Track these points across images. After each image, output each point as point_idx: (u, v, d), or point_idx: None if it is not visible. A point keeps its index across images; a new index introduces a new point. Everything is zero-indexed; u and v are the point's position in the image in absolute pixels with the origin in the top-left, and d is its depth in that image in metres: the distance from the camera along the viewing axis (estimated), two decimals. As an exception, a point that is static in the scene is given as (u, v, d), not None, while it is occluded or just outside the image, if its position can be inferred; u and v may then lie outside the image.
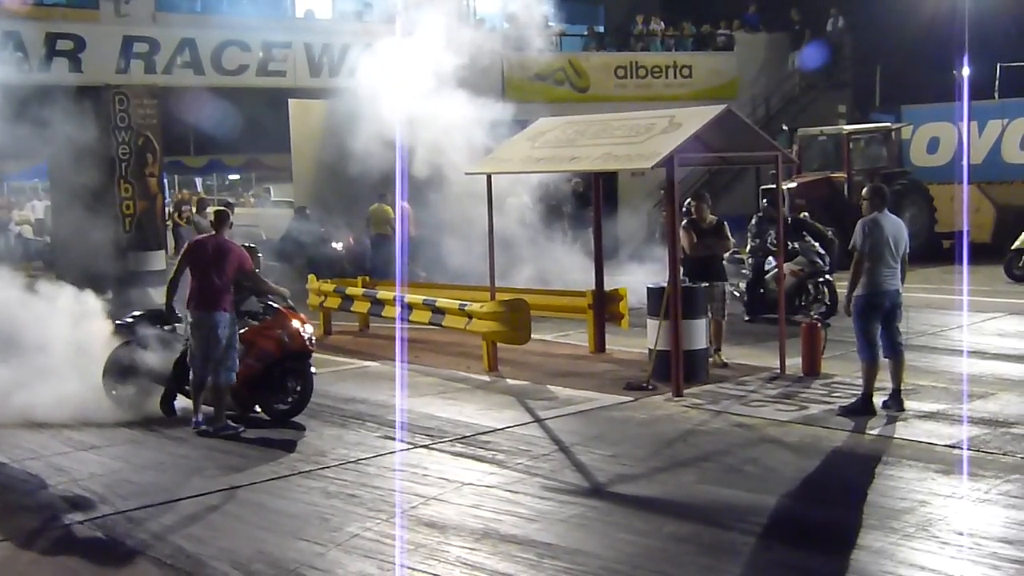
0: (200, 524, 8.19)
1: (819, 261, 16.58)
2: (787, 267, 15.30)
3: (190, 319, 10.93)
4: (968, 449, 9.46)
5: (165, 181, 28.57)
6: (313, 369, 11.54)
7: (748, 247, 16.96)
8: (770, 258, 16.37)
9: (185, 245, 11.28)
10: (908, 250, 10.96)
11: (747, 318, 16.55)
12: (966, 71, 24.95)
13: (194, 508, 8.53)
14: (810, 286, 16.64)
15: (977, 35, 24.88)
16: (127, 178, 21.92)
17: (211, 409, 10.91)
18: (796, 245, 16.57)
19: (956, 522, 7.66)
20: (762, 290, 16.62)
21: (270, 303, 11.50)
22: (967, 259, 18.53)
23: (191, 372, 10.97)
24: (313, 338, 11.61)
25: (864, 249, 10.69)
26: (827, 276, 16.64)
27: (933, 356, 13.68)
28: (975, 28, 24.92)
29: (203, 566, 7.29)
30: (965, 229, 21.17)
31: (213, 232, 11.11)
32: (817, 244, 16.88)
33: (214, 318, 10.71)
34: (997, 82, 27.14)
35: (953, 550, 7.14)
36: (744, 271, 16.88)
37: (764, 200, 17.85)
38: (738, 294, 16.69)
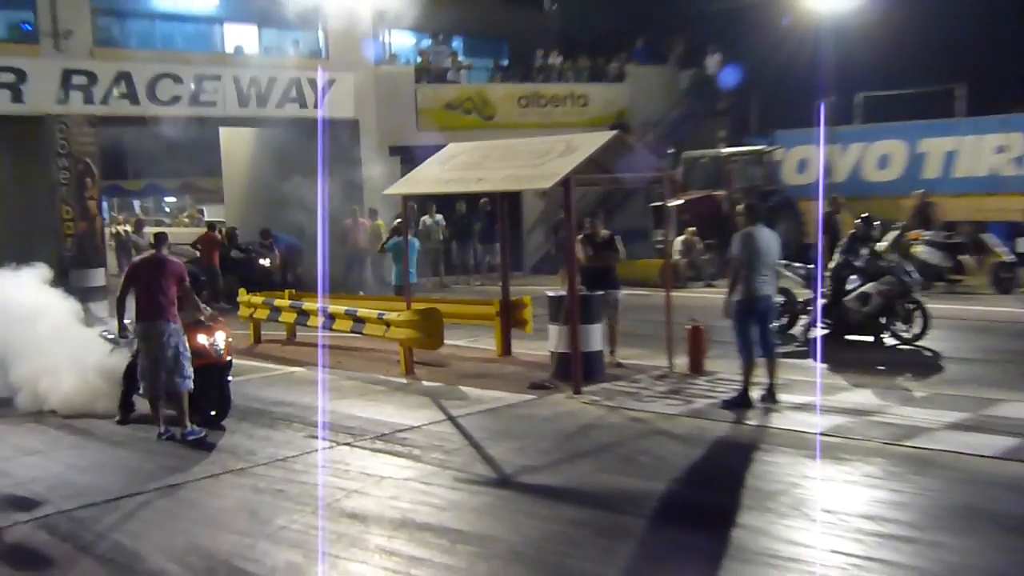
0: (138, 521, 8.03)
1: (908, 279, 14.49)
2: (875, 286, 14.39)
3: (137, 332, 10.70)
4: (835, 436, 9.64)
5: (104, 204, 28.02)
6: (229, 378, 11.35)
7: (833, 264, 15.05)
8: (853, 276, 14.76)
9: (128, 266, 11.21)
10: (781, 259, 11.15)
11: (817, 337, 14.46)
12: (831, 99, 25.42)
13: (133, 506, 8.36)
14: (898, 306, 14.50)
15: (839, 67, 25.42)
16: (68, 201, 21.53)
17: (171, 412, 10.69)
18: (884, 263, 14.72)
19: (825, 501, 7.79)
20: (842, 310, 14.73)
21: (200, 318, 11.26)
22: (820, 267, 18.75)
23: (143, 385, 10.73)
24: (222, 347, 11.15)
25: (741, 259, 10.86)
26: (915, 296, 14.53)
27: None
28: (838, 61, 25.45)
29: (141, 560, 7.15)
30: (820, 241, 21.47)
31: (153, 251, 11.02)
32: (906, 262, 15.27)
33: (160, 327, 10.50)
34: (860, 109, 27.77)
35: (822, 526, 7.27)
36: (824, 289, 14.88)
37: (858, 220, 15.31)
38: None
